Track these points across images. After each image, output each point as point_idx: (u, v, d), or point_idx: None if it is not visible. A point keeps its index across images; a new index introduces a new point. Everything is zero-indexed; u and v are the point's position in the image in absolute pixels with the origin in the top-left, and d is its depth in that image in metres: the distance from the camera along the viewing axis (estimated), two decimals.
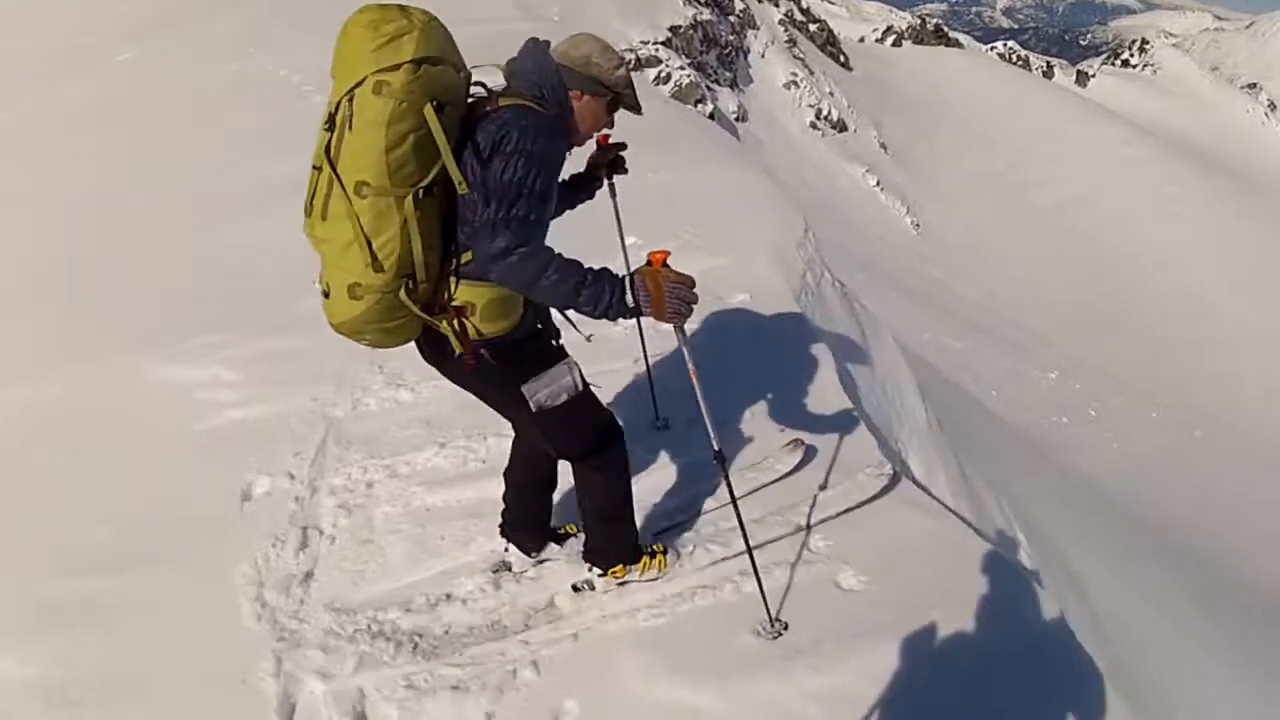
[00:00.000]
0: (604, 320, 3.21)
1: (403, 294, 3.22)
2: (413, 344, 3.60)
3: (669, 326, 3.41)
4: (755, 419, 5.56)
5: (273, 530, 4.85)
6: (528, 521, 4.40)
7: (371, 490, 5.15)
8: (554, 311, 3.76)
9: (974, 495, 7.96)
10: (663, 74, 35.93)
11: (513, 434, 4.29)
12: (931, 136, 48.49)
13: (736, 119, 38.67)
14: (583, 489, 4.06)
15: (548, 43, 3.48)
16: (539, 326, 3.66)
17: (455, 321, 3.37)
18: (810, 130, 43.16)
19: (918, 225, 39.00)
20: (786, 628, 4.08)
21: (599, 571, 4.31)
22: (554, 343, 3.74)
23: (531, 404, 3.58)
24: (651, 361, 5.48)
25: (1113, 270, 43.17)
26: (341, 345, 3.51)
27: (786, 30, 48.94)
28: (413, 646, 4.16)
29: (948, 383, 14.48)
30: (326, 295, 3.27)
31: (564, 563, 4.51)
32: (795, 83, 44.79)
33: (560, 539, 4.47)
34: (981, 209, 43.89)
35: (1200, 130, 65.72)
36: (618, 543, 4.27)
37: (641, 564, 4.33)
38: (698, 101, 35.35)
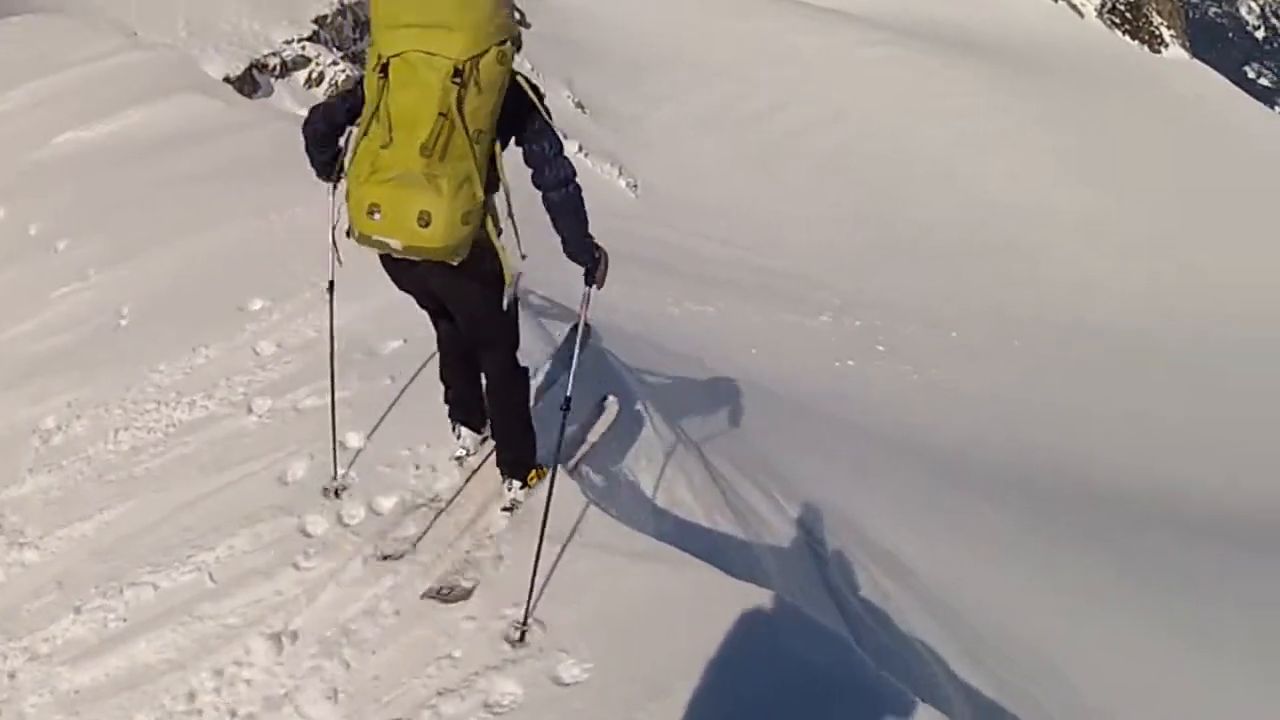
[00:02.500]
0: (575, 250, 4.62)
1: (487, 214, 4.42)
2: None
3: None
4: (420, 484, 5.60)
5: None
6: (470, 397, 5.38)
7: (15, 681, 5.00)
8: None
9: (735, 499, 7.91)
10: (314, 75, 35.33)
11: None
12: (635, 84, 47.22)
13: None
14: (500, 396, 5.12)
15: None
16: None
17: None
18: None
19: (635, 186, 38.59)
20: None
21: (520, 483, 5.28)
22: None
23: (505, 300, 4.63)
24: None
25: (879, 189, 43.46)
26: None
27: None
28: None
29: (698, 362, 14.43)
30: (425, 224, 4.10)
31: None
32: None
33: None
34: (706, 154, 43.50)
35: (953, 11, 65.94)
36: (531, 443, 5.28)
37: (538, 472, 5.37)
38: None
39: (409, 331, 6.50)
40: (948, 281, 34.53)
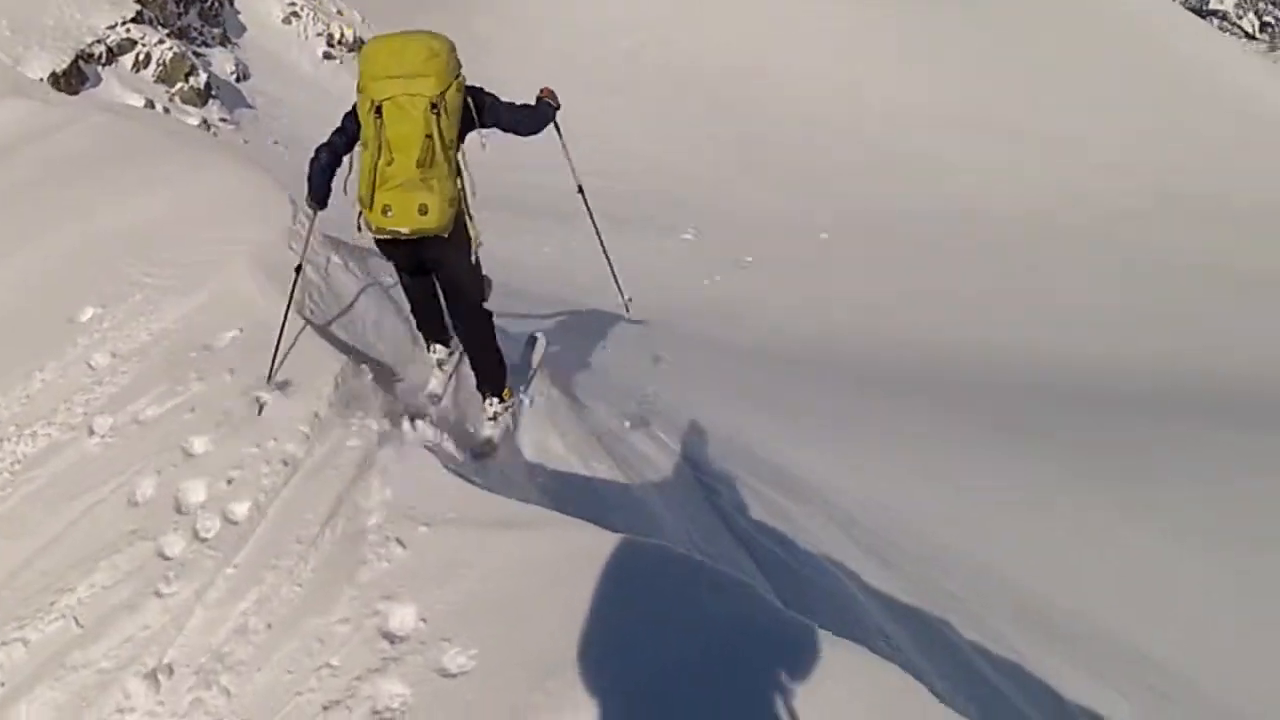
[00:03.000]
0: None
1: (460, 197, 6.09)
2: None
3: None
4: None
5: None
6: (438, 325, 6.99)
7: None
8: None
9: (613, 442, 7.80)
10: (141, 56, 34.22)
11: None
12: (471, 14, 46.54)
13: (237, 79, 37.09)
14: (474, 333, 6.71)
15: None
16: None
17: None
18: (326, 62, 41.67)
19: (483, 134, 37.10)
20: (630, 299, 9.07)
21: (498, 398, 6.90)
22: None
23: (473, 256, 6.29)
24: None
25: (729, 103, 42.76)
26: None
27: None
28: None
29: (563, 301, 14.18)
30: (424, 213, 5.78)
31: None
32: (296, 13, 43.12)
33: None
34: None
35: None
36: (502, 368, 6.93)
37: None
38: (188, 74, 33.74)
39: (243, 318, 6.23)
40: (807, 188, 34.48)
